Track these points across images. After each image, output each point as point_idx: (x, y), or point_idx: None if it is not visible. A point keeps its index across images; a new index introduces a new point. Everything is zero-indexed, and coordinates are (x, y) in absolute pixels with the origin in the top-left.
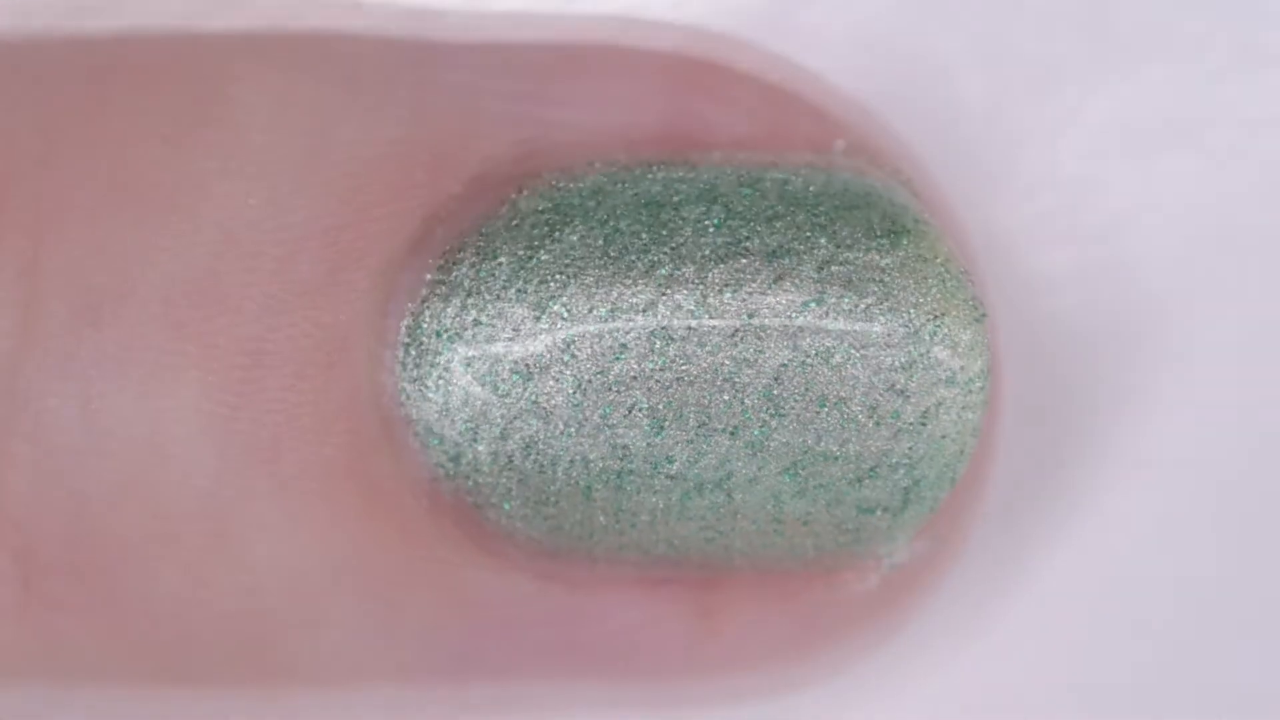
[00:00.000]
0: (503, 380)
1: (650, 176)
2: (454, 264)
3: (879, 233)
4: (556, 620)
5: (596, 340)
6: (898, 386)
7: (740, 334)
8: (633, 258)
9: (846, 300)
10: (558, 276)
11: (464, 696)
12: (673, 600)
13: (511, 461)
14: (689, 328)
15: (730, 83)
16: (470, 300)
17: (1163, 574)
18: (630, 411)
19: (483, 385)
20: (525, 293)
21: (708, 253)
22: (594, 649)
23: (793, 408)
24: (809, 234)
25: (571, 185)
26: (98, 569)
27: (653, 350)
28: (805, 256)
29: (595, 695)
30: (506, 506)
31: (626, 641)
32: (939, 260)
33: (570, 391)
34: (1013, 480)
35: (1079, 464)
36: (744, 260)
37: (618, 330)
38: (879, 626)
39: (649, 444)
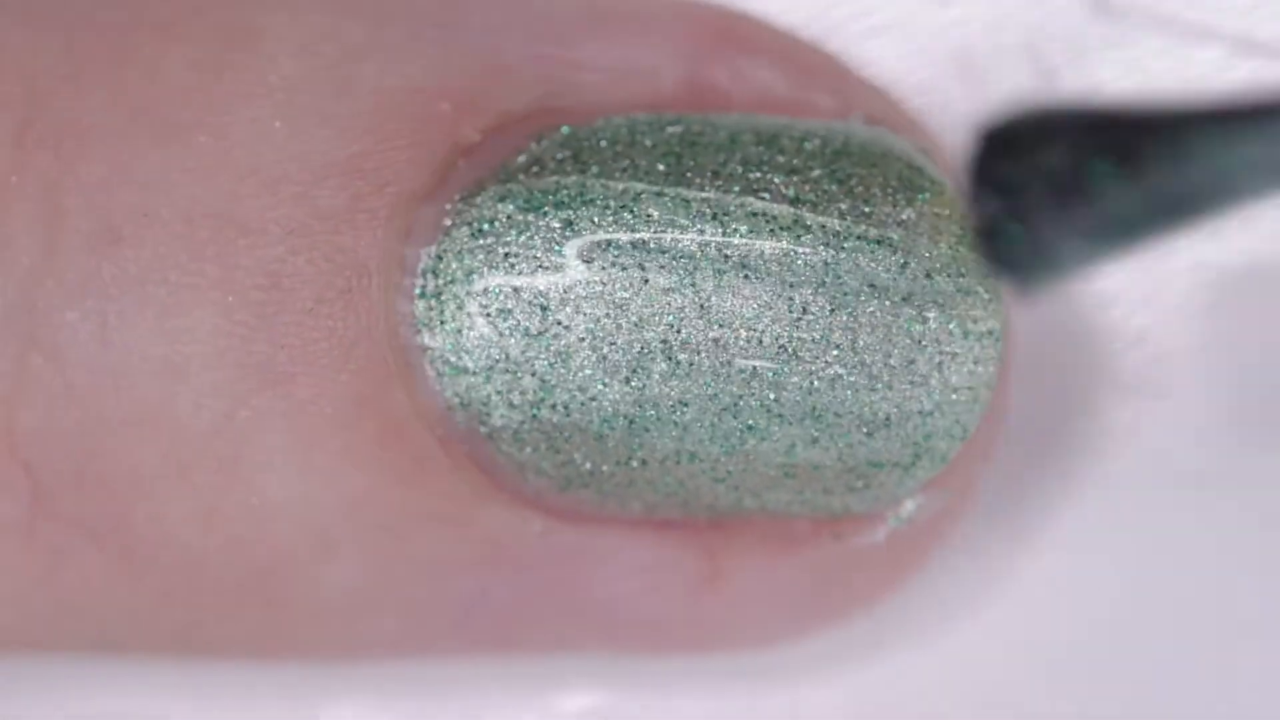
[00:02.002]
0: (519, 315)
1: (669, 128)
2: (474, 199)
3: (896, 189)
4: (564, 558)
5: (614, 279)
6: (914, 337)
7: (758, 280)
8: (651, 202)
9: (863, 252)
10: (576, 216)
11: (470, 636)
12: (680, 543)
13: (525, 396)
14: (707, 271)
15: (751, 49)
16: (489, 235)
17: (1172, 530)
18: (645, 351)
19: (499, 319)
20: (543, 230)
21: (726, 198)
22: (600, 588)
23: (809, 355)
24: (827, 186)
25: (590, 132)
26: (108, 489)
27: (670, 291)
28: (823, 208)
29: (599, 636)
30: (519, 441)
31: (633, 583)
32: (956, 218)
33: (586, 329)
34: (1023, 436)
35: (1090, 420)
36: (762, 206)
37: (634, 270)
38: (886, 580)
39: (664, 385)
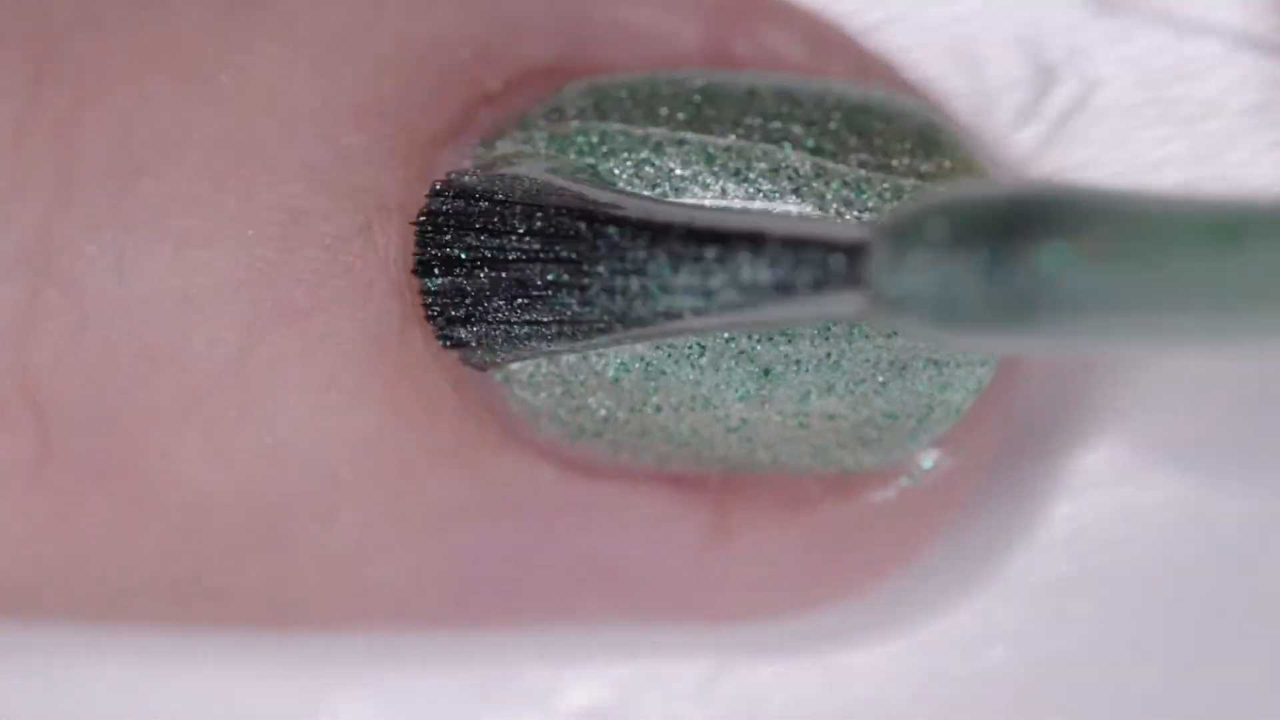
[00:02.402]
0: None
1: (689, 80)
2: (495, 145)
3: (915, 143)
4: (574, 509)
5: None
6: None
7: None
8: (671, 148)
9: (884, 199)
10: (596, 160)
11: (475, 590)
12: (690, 499)
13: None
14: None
15: (769, 17)
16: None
17: (1189, 490)
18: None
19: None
20: (562, 174)
21: (746, 146)
22: (609, 540)
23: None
24: (845, 138)
25: (611, 82)
26: (119, 427)
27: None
28: (842, 157)
29: (606, 589)
30: (533, 386)
31: (641, 536)
32: (973, 172)
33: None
34: (1039, 395)
35: (1105, 379)
36: (782, 154)
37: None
38: (898, 546)
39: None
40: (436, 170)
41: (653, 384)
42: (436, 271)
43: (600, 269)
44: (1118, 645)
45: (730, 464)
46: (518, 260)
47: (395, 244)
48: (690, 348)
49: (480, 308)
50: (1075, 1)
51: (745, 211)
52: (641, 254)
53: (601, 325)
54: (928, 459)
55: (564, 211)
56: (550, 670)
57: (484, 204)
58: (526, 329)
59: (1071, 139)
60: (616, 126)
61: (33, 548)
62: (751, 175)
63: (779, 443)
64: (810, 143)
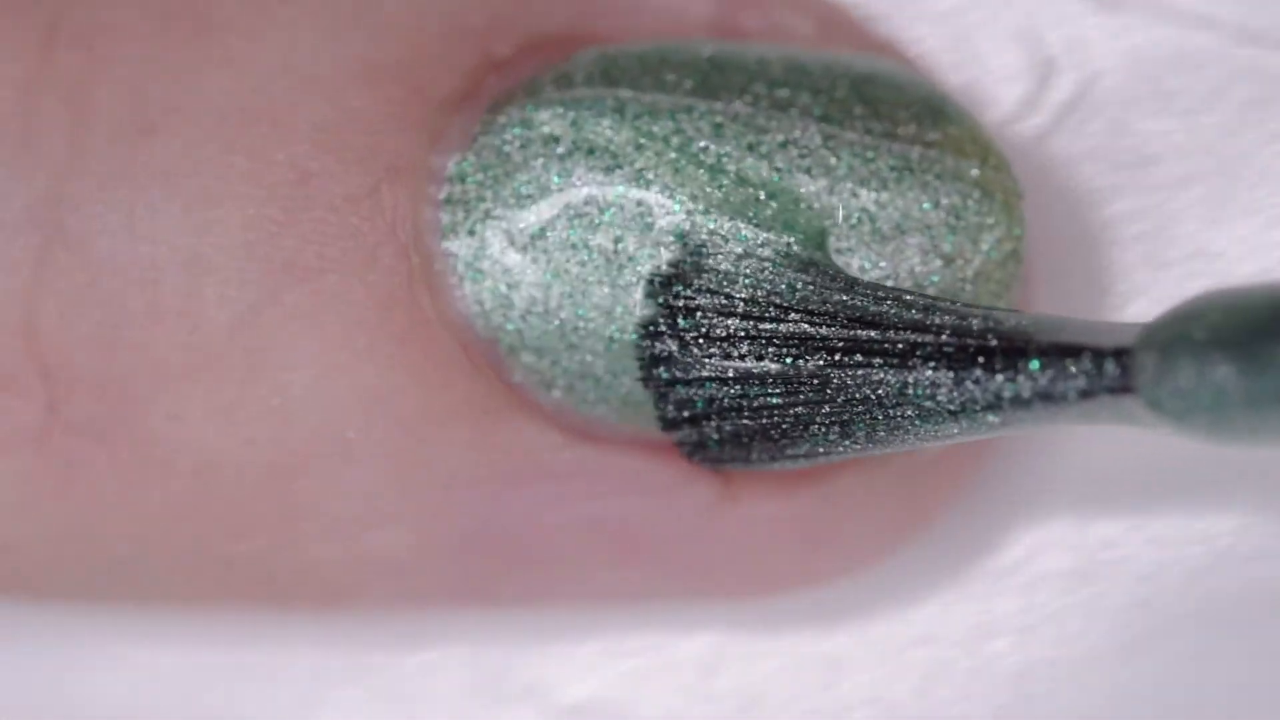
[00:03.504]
0: (544, 226)
1: (699, 49)
2: (505, 111)
3: (920, 110)
4: (580, 474)
5: (638, 191)
6: (941, 251)
7: (787, 193)
8: (681, 115)
9: (891, 167)
10: (604, 130)
11: (479, 556)
12: (695, 466)
13: (548, 307)
14: (736, 184)
15: None
16: (517, 145)
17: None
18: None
19: (524, 229)
20: (571, 142)
21: (755, 114)
22: (614, 506)
23: (832, 267)
24: (852, 106)
25: (620, 50)
26: (127, 388)
27: (696, 206)
28: (849, 124)
29: (610, 554)
30: (539, 351)
31: (648, 503)
32: (978, 141)
33: (610, 241)
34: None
35: None
36: (792, 121)
37: (662, 180)
38: (899, 519)
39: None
40: (445, 135)
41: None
42: (684, 426)
43: (842, 398)
44: (1117, 639)
45: None
46: (760, 408)
47: (403, 205)
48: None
49: (734, 448)
50: None
51: (999, 311)
52: (893, 385)
53: (851, 446)
54: None
55: (800, 341)
56: (548, 659)
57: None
58: (775, 457)
59: (1071, 131)
60: (626, 95)
61: (38, 514)
62: (762, 150)
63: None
64: (818, 110)
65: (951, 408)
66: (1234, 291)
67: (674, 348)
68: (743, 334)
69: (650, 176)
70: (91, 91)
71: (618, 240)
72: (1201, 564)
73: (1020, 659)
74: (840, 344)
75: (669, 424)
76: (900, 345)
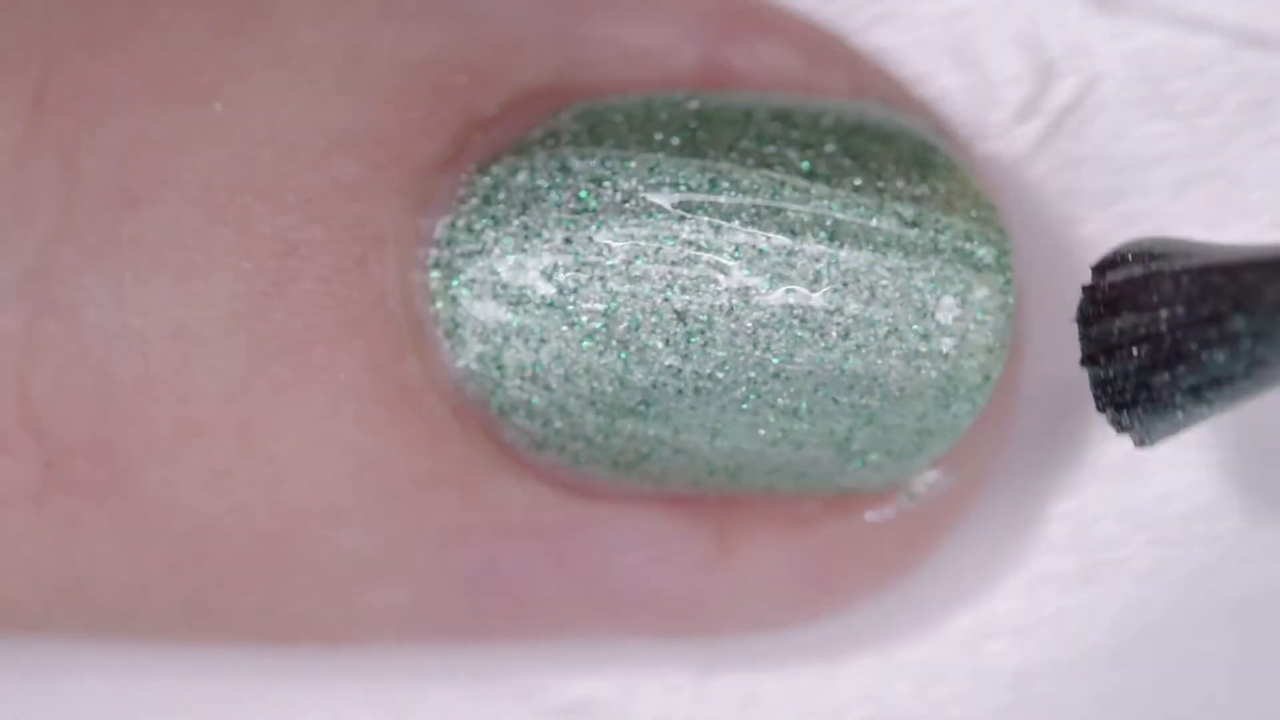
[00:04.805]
0: (533, 287)
1: (684, 103)
2: (489, 171)
3: (910, 165)
4: (574, 531)
5: (627, 250)
6: (927, 310)
7: (773, 250)
8: (666, 173)
9: (880, 223)
10: (592, 189)
11: (476, 611)
12: (690, 520)
13: (538, 370)
14: (721, 242)
15: (766, 30)
16: (505, 207)
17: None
18: (660, 324)
19: (513, 290)
20: (559, 203)
21: (741, 172)
22: (609, 563)
23: (820, 327)
24: (841, 161)
25: (606, 106)
26: (120, 455)
27: (684, 262)
28: (837, 181)
29: (607, 611)
30: (530, 413)
31: (642, 557)
32: (969, 195)
33: (600, 302)
34: (1036, 416)
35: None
36: (778, 178)
37: (649, 240)
38: (897, 561)
39: (679, 357)
40: (432, 198)
41: (651, 414)
42: (1102, 360)
43: (1240, 319)
44: (1116, 640)
45: (729, 485)
46: (1169, 331)
47: (391, 272)
48: (688, 378)
49: (1144, 387)
50: None
51: None
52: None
53: (1248, 373)
54: (926, 479)
55: (1201, 271)
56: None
57: (1131, 282)
58: (1185, 396)
59: (1071, 134)
60: (612, 154)
61: (38, 569)
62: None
63: (779, 465)
64: (805, 166)
65: None
66: None
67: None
68: (1156, 274)
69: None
70: (78, 160)
71: (611, 302)
72: (1201, 564)
73: (1019, 659)
74: (1235, 269)
75: (1085, 358)
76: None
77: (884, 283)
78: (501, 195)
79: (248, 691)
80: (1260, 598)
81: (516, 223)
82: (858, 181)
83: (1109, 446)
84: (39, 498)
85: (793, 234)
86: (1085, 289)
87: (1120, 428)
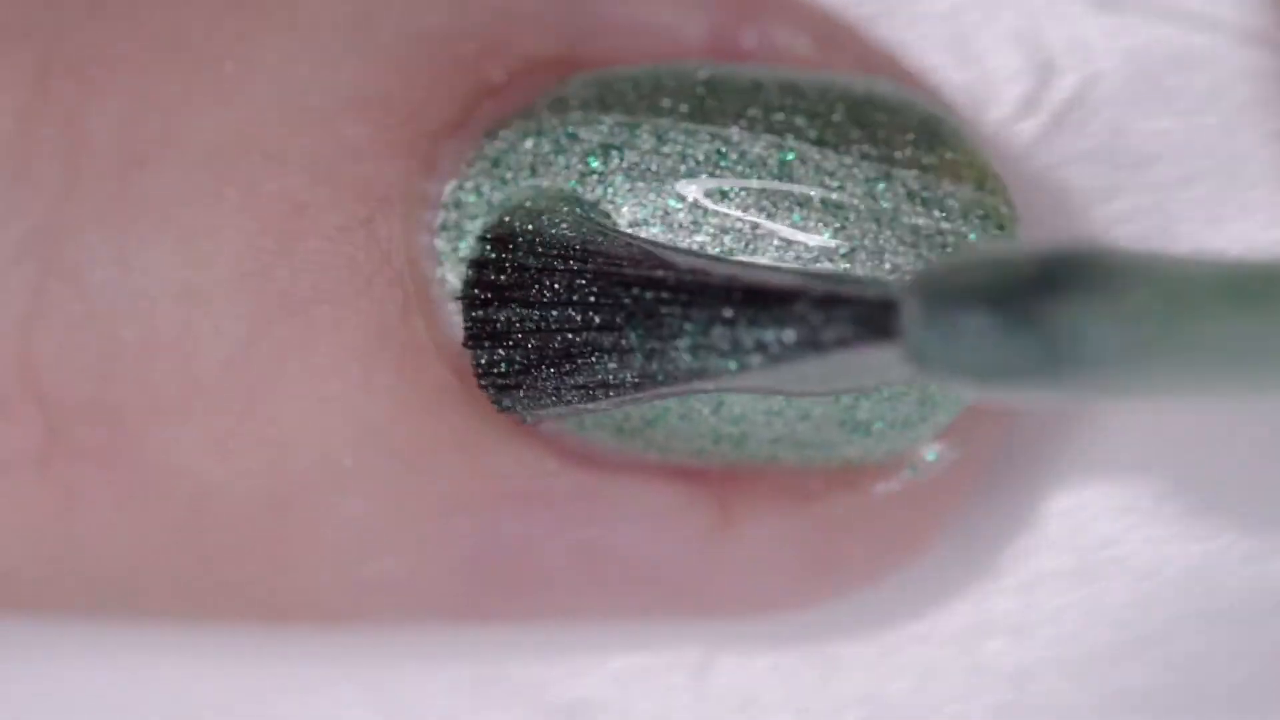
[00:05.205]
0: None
1: (693, 72)
2: (499, 136)
3: (918, 135)
4: (577, 500)
5: (634, 217)
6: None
7: (784, 214)
8: (675, 140)
9: (885, 191)
10: (600, 155)
11: (477, 582)
12: (692, 492)
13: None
14: (729, 210)
15: (774, 10)
16: (513, 170)
17: (1187, 485)
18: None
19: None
20: (566, 168)
21: (750, 140)
22: (611, 533)
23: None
24: (848, 130)
25: (614, 74)
26: (123, 419)
27: (691, 228)
28: (845, 149)
29: (608, 582)
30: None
31: (645, 529)
32: (975, 165)
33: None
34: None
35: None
36: (788, 145)
37: (656, 207)
38: (901, 539)
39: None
40: (439, 162)
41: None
42: (486, 345)
43: (634, 335)
44: (1115, 639)
45: (733, 454)
46: (560, 330)
47: (398, 234)
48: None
49: (529, 375)
50: None
51: (779, 269)
52: (675, 318)
53: (638, 384)
54: (931, 451)
55: (602, 277)
56: (541, 658)
57: (525, 271)
58: (571, 392)
59: (1070, 130)
60: (620, 120)
61: (39, 537)
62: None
63: (783, 436)
64: (813, 134)
65: (723, 347)
66: (1004, 247)
67: (490, 276)
68: (551, 270)
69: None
70: (85, 123)
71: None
72: (1201, 564)
73: (1018, 658)
74: (636, 284)
75: (469, 339)
76: (682, 294)
77: (890, 250)
78: (510, 160)
79: (245, 678)
80: (1260, 598)
81: (524, 187)
82: (865, 149)
83: (1110, 444)
84: (41, 464)
85: (800, 203)
86: (471, 266)
87: (500, 407)
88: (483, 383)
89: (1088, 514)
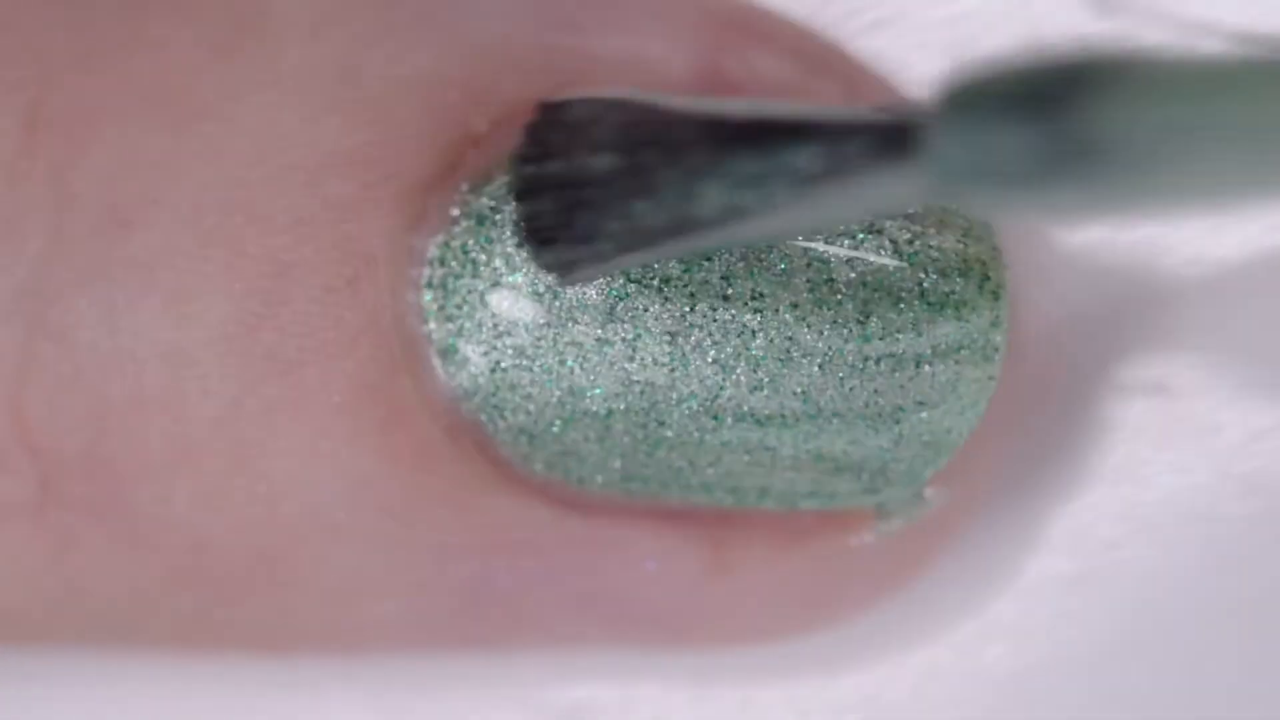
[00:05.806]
0: (527, 305)
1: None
2: (484, 189)
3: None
4: (570, 546)
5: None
6: (919, 329)
7: (769, 264)
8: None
9: (870, 240)
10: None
11: (474, 623)
12: (685, 535)
13: (532, 388)
14: (715, 257)
15: (761, 39)
16: (498, 225)
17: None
18: (656, 342)
19: (507, 309)
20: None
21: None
22: (605, 577)
23: (813, 343)
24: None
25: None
26: (115, 474)
27: (681, 276)
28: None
29: (603, 625)
30: (525, 433)
31: (639, 573)
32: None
33: (596, 320)
34: (1032, 429)
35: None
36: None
37: (645, 257)
38: (894, 575)
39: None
40: (424, 217)
41: (649, 437)
42: (528, 199)
43: (664, 173)
44: (1116, 644)
45: (727, 500)
46: (596, 181)
47: (384, 292)
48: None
49: (567, 227)
50: (1076, 1)
51: (796, 105)
52: (700, 155)
53: (672, 229)
54: (923, 496)
55: (634, 125)
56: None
57: (568, 131)
58: (606, 242)
59: None
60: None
61: (36, 581)
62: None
63: (775, 481)
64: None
65: (752, 172)
66: (1026, 55)
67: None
68: (596, 120)
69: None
70: (71, 179)
71: (607, 321)
72: (1201, 564)
73: (1018, 661)
74: (663, 129)
75: (518, 194)
76: (703, 122)
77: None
78: (494, 214)
79: (245, 700)
80: (1261, 599)
81: (509, 241)
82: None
83: (1110, 448)
84: (36, 513)
85: (789, 258)
86: (526, 127)
87: (542, 265)
88: (522, 238)
89: (1089, 519)
